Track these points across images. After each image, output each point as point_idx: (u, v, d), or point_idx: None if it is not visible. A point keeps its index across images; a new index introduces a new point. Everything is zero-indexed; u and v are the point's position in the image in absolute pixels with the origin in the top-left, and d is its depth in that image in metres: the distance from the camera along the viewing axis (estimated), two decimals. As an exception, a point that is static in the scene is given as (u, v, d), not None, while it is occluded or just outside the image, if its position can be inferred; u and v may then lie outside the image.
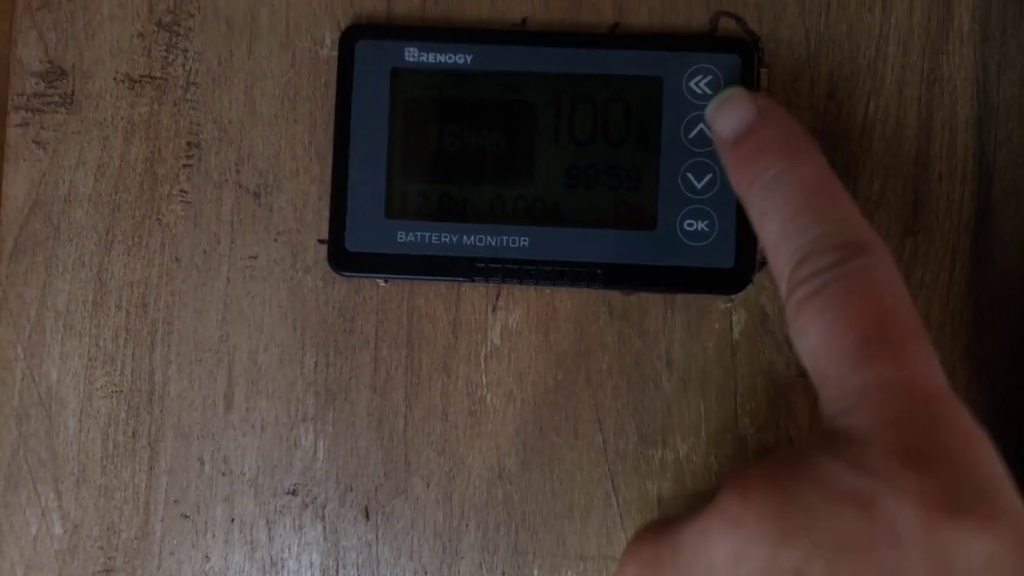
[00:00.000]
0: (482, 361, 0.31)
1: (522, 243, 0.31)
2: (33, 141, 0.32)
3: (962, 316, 0.31)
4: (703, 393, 0.31)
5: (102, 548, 0.32)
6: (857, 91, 0.31)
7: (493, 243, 0.31)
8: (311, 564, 0.31)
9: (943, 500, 0.20)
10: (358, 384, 0.31)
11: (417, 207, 0.31)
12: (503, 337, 0.31)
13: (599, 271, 0.31)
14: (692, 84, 0.31)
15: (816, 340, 0.24)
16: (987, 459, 0.22)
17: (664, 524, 0.24)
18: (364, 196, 0.31)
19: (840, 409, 0.23)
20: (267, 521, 0.31)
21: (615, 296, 0.31)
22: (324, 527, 0.31)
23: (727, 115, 0.28)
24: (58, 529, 0.32)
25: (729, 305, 0.31)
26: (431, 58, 0.31)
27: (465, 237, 0.31)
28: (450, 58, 0.31)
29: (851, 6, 0.31)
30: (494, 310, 0.32)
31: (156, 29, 0.32)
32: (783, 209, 0.26)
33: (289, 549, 0.31)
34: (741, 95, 0.28)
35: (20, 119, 0.32)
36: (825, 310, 0.24)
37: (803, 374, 0.31)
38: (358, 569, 0.31)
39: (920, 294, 0.31)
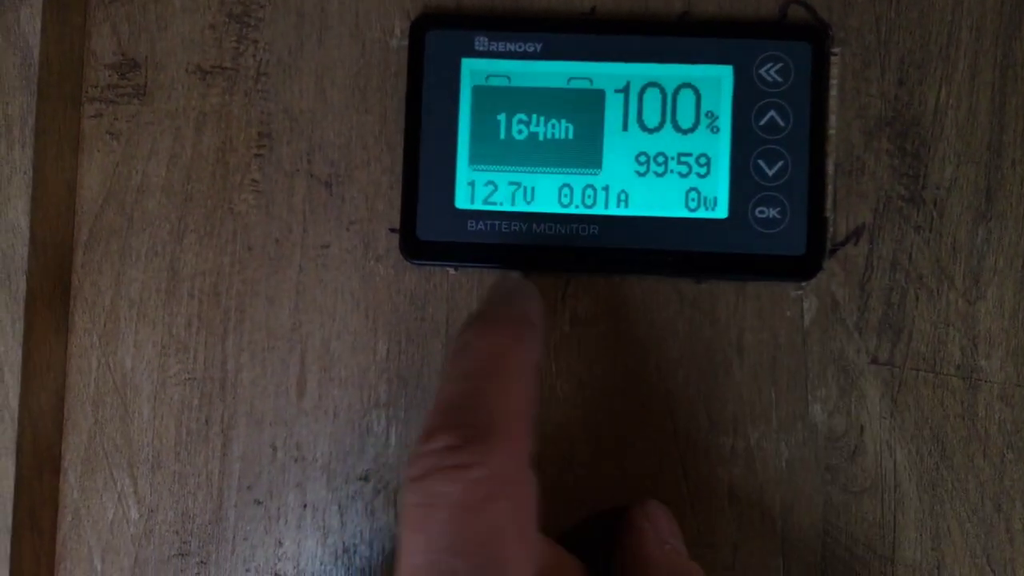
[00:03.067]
0: (551, 349, 0.32)
1: (591, 231, 0.31)
2: (107, 132, 0.33)
3: (1036, 303, 0.30)
4: (774, 380, 0.31)
5: (177, 533, 0.32)
6: (929, 78, 0.31)
7: (563, 231, 0.31)
8: (383, 550, 0.32)
9: None
10: (429, 371, 0.32)
11: (486, 196, 0.31)
12: (572, 325, 0.32)
13: (669, 259, 0.31)
14: (762, 72, 0.31)
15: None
16: None
17: None
18: (435, 185, 0.31)
19: None
20: (339, 507, 0.32)
21: (685, 284, 0.31)
22: (396, 513, 0.32)
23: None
24: (134, 514, 0.32)
25: (800, 292, 0.31)
26: (500, 47, 0.31)
27: (535, 225, 0.31)
28: (519, 47, 0.31)
29: (922, -8, 0.31)
30: (563, 298, 0.32)
31: (227, 20, 0.33)
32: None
33: (361, 535, 0.32)
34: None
35: (94, 110, 0.33)
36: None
37: (875, 360, 0.31)
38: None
39: (993, 281, 0.31)
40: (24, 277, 0.30)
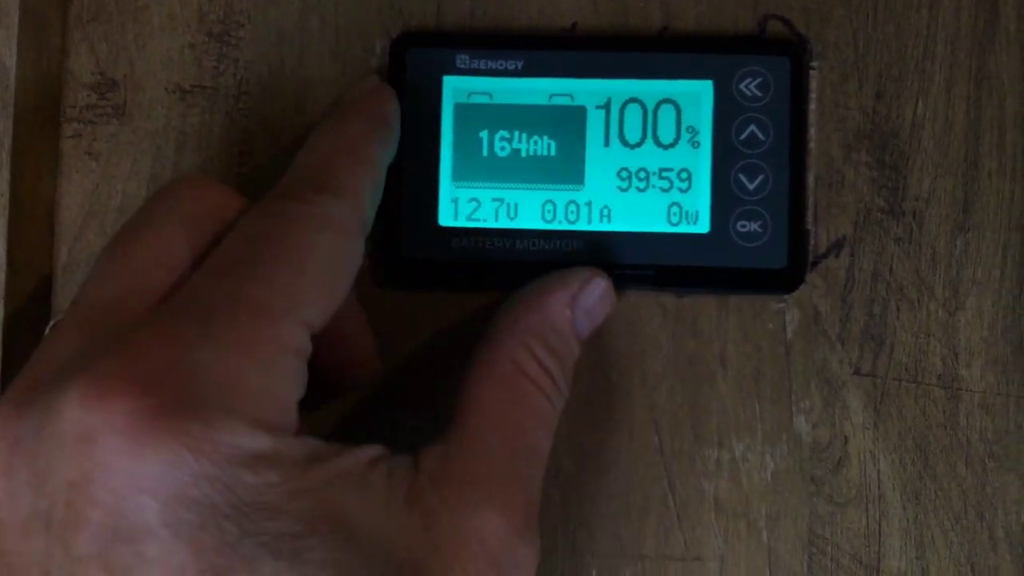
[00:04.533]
0: (536, 364, 0.32)
1: (575, 246, 0.31)
2: (86, 152, 0.33)
3: (1014, 312, 0.31)
4: (758, 393, 0.31)
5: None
6: (906, 91, 0.31)
7: (546, 247, 0.31)
8: None
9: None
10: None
11: (470, 213, 0.31)
12: (557, 340, 0.32)
13: (652, 273, 0.31)
14: (742, 86, 0.31)
15: None
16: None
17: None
18: (417, 203, 0.31)
19: None
20: (326, 527, 0.32)
21: (668, 298, 0.32)
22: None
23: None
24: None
25: (782, 305, 0.31)
26: (482, 64, 0.32)
27: (518, 241, 0.31)
28: (501, 64, 0.32)
29: (898, 7, 0.31)
30: (547, 313, 0.32)
31: (206, 39, 0.33)
32: None
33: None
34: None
35: (72, 131, 0.33)
36: None
37: (857, 371, 0.31)
38: (417, 573, 0.31)
39: (972, 291, 0.31)
40: (2, 302, 0.30)
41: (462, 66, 0.32)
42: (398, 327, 0.32)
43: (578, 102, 0.31)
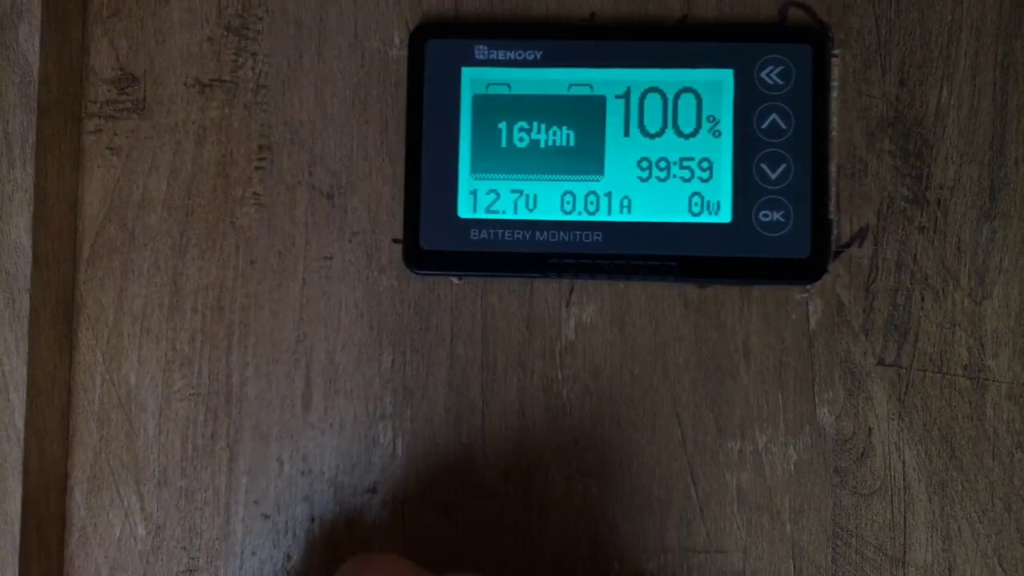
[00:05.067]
0: (557, 356, 0.32)
1: (595, 237, 0.31)
2: (107, 147, 0.33)
3: (1042, 301, 0.30)
4: (781, 384, 0.31)
5: (185, 549, 0.32)
6: (930, 78, 0.31)
7: (566, 238, 0.31)
8: (392, 561, 0.31)
9: None
10: (435, 381, 0.32)
11: (489, 204, 0.31)
12: (577, 332, 0.32)
13: (674, 264, 0.31)
14: (763, 75, 0.31)
15: None
16: None
17: None
18: (437, 195, 0.31)
19: None
20: (347, 520, 0.32)
21: (690, 289, 0.31)
22: (404, 524, 0.32)
23: None
24: (141, 531, 0.32)
25: (805, 295, 0.31)
26: (500, 55, 0.31)
27: (538, 233, 0.31)
28: (519, 54, 0.31)
29: (922, -8, 0.31)
30: (568, 305, 0.32)
31: (225, 33, 0.33)
32: None
33: (370, 547, 0.32)
34: None
35: (94, 126, 0.33)
36: None
37: (881, 362, 0.31)
38: (438, 565, 0.31)
39: (999, 279, 0.30)
40: (27, 295, 0.30)
41: (480, 57, 0.31)
42: (421, 312, 0.32)
43: (597, 92, 0.31)
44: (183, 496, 0.32)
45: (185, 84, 0.33)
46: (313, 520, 0.32)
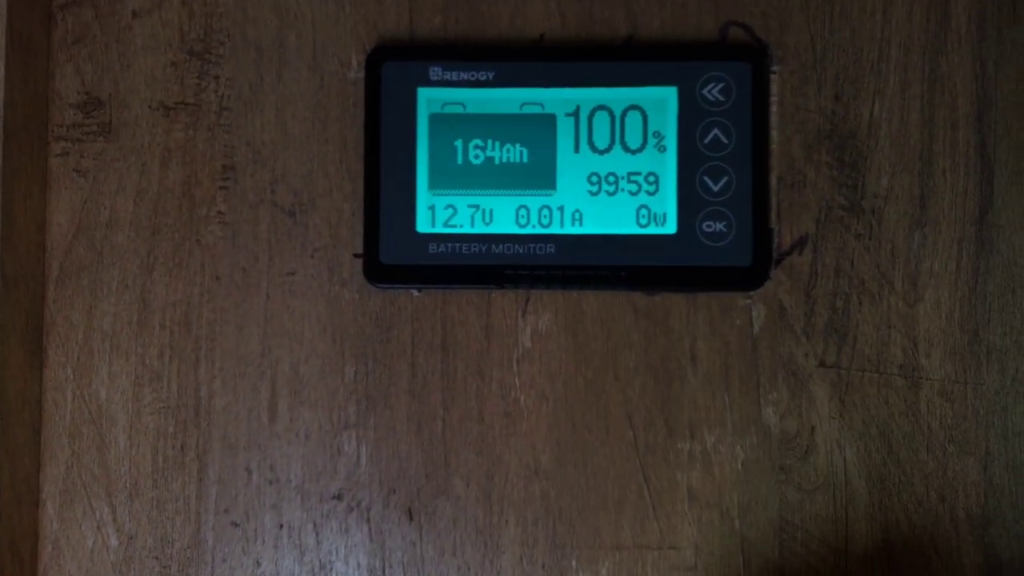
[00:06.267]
0: (514, 364, 0.33)
1: (549, 249, 0.32)
2: (74, 170, 0.34)
3: (970, 302, 0.32)
4: (727, 386, 0.33)
5: (157, 558, 0.33)
6: (863, 92, 0.33)
7: (521, 250, 0.32)
8: (359, 565, 0.33)
9: None
10: (397, 390, 0.33)
11: (447, 219, 0.33)
12: (533, 340, 0.33)
13: (623, 273, 0.32)
14: (705, 92, 0.32)
15: None
16: None
17: None
18: (396, 210, 0.32)
19: None
20: (314, 526, 0.33)
21: (639, 297, 0.33)
22: (370, 529, 0.33)
23: None
24: (113, 541, 0.33)
25: (749, 301, 0.33)
26: (455, 76, 0.33)
27: (494, 246, 0.32)
28: (473, 75, 0.33)
29: (854, 12, 0.33)
30: (524, 315, 0.33)
31: (188, 57, 0.34)
32: None
33: (337, 552, 0.33)
34: None
35: (60, 149, 0.34)
36: None
37: (822, 363, 0.32)
38: (404, 568, 0.33)
39: (930, 283, 0.32)
40: (-3, 316, 0.31)
41: (435, 78, 0.33)
42: (382, 324, 0.33)
43: (548, 110, 0.33)
44: (154, 506, 0.33)
45: (150, 107, 0.34)
46: (281, 527, 0.33)
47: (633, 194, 0.32)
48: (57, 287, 0.33)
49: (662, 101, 0.32)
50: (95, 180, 0.34)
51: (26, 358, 0.32)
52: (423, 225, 0.32)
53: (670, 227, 0.32)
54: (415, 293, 0.33)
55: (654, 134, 0.32)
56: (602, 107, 0.33)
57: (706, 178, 0.32)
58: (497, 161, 0.33)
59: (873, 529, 0.32)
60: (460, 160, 0.33)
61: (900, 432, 0.32)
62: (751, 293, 0.32)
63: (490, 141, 0.33)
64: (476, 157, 0.33)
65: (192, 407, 0.33)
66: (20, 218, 0.32)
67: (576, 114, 0.33)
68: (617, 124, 0.32)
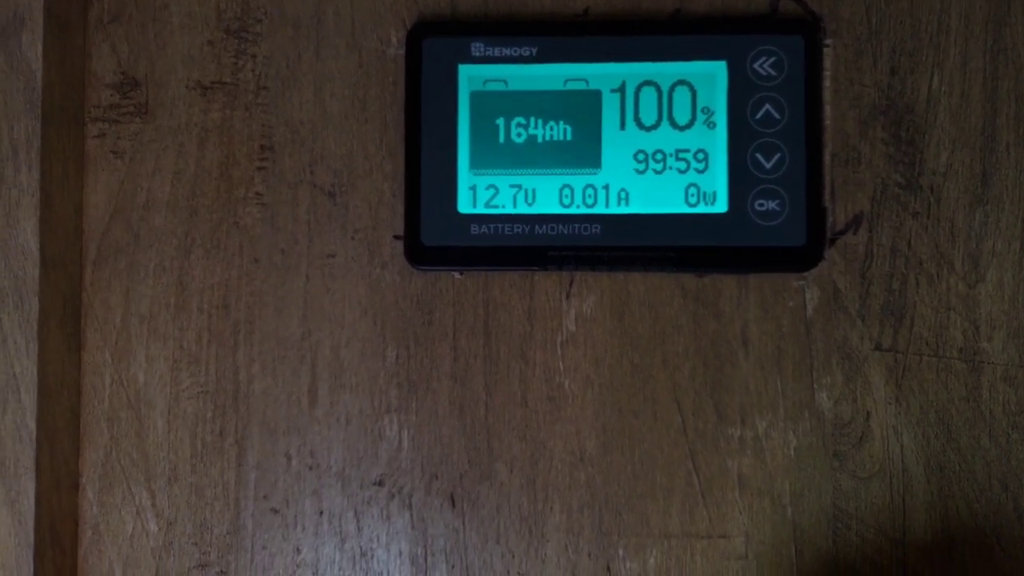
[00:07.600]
0: (558, 347, 0.32)
1: (594, 230, 0.31)
2: (110, 151, 0.33)
3: (1035, 284, 0.31)
4: (779, 370, 0.31)
5: (196, 544, 0.32)
6: (921, 66, 0.31)
7: (565, 231, 0.32)
8: (400, 552, 0.32)
9: None
10: (439, 374, 0.32)
11: (488, 199, 0.32)
12: (578, 323, 0.32)
13: (671, 254, 0.31)
14: (756, 66, 0.31)
15: None
16: None
17: None
18: (437, 191, 0.32)
19: None
20: (355, 512, 0.32)
21: (688, 278, 0.32)
22: (411, 516, 0.32)
23: None
24: (153, 527, 0.33)
25: (802, 282, 0.32)
26: (497, 52, 0.32)
27: (537, 226, 0.32)
28: (515, 51, 0.32)
29: (911, -19, 0.31)
30: (568, 297, 0.32)
31: (225, 36, 0.33)
32: None
33: (378, 539, 0.32)
34: None
35: (97, 130, 0.33)
36: None
37: (878, 347, 0.31)
38: (446, 555, 0.32)
39: (992, 263, 0.31)
40: (36, 297, 0.30)
41: (477, 54, 0.32)
42: (423, 306, 0.32)
43: (593, 86, 0.32)
44: (193, 492, 0.33)
45: (186, 87, 0.33)
46: (322, 514, 0.32)
47: (682, 172, 0.31)
48: (95, 270, 0.33)
49: (711, 76, 0.31)
50: (132, 161, 0.33)
51: (64, 341, 0.32)
52: (465, 206, 0.32)
53: (720, 206, 0.31)
54: (457, 275, 0.32)
55: (703, 110, 0.31)
56: (649, 83, 0.32)
57: (758, 155, 0.31)
58: (540, 139, 0.32)
59: (932, 519, 0.31)
60: (502, 139, 0.32)
61: (960, 418, 0.31)
62: (804, 274, 0.31)
63: (533, 119, 0.32)
64: (519, 135, 0.32)
65: (231, 391, 0.33)
66: (57, 200, 0.32)
67: (622, 90, 0.32)
68: (665, 100, 0.31)
